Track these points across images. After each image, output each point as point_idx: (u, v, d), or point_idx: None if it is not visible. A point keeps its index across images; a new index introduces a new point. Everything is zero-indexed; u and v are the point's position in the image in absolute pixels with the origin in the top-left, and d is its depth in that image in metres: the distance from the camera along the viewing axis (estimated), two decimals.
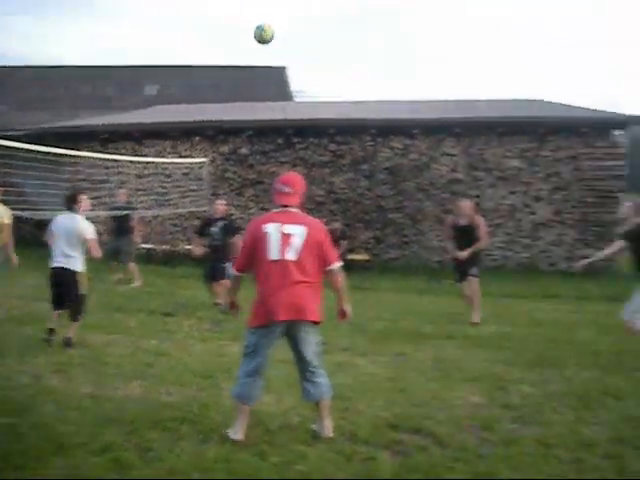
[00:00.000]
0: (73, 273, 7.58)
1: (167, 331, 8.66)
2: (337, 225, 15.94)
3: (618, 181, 16.25)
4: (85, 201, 7.96)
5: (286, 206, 4.85)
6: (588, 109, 18.30)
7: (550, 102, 20.96)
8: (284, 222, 4.72)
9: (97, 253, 7.67)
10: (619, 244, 7.52)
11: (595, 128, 16.32)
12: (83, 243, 7.60)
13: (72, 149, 13.53)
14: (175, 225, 17.56)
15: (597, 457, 4.54)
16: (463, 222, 10.11)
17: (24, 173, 11.13)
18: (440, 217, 16.19)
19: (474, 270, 10.13)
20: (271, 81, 33.82)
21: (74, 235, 7.58)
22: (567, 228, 16.22)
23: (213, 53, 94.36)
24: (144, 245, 16.78)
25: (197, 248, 11.01)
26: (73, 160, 14.30)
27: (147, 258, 16.12)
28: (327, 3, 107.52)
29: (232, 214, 10.71)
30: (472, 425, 5.16)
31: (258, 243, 4.71)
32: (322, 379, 4.83)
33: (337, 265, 4.83)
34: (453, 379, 6.50)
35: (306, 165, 16.94)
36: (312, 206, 16.79)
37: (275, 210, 4.91)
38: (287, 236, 4.66)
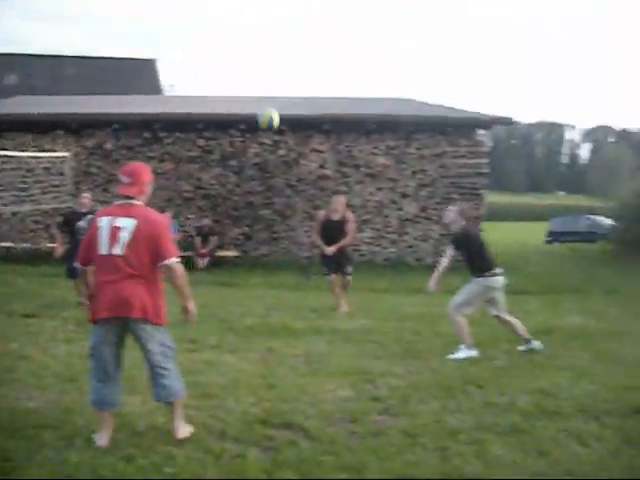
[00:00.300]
0: None
1: (29, 333, 8.28)
2: (206, 221, 15.87)
3: (481, 178, 16.88)
4: None
5: (128, 197, 4.64)
6: (454, 109, 18.85)
7: (418, 101, 21.51)
8: (117, 215, 4.54)
9: None
10: (450, 251, 7.81)
11: (460, 127, 16.89)
12: None
13: None
14: (37, 222, 16.83)
15: (460, 444, 4.68)
16: (335, 217, 10.37)
17: None
18: (309, 213, 16.33)
19: (349, 269, 10.60)
20: (140, 74, 33.14)
21: None
22: (433, 224, 16.69)
23: (80, 43, 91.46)
24: (2, 244, 16.06)
25: (59, 248, 10.60)
26: None
27: (6, 257, 15.42)
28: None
29: (97, 210, 10.37)
30: (341, 418, 5.22)
31: (93, 237, 4.57)
32: (170, 381, 4.64)
33: (173, 260, 4.57)
34: (322, 374, 6.54)
35: (174, 160, 16.66)
36: (180, 202, 16.60)
37: (116, 202, 4.72)
38: (116, 230, 4.47)
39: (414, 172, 16.72)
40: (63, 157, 15.81)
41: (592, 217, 33.52)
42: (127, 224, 4.47)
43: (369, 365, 6.91)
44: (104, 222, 4.53)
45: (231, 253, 16.38)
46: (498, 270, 7.69)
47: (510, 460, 4.42)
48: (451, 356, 7.34)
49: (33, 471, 4.06)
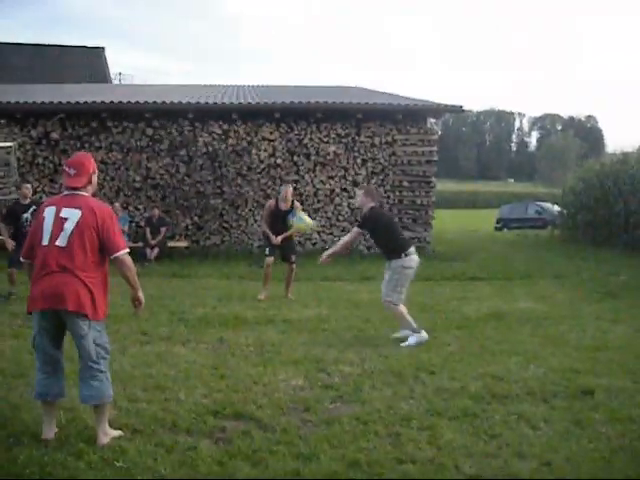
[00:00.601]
0: None
1: None
2: (156, 212, 15.67)
3: (431, 166, 16.97)
4: None
5: (75, 188, 4.55)
6: (405, 97, 18.86)
7: (369, 89, 21.55)
8: (62, 205, 4.45)
9: None
10: (355, 231, 7.87)
11: (410, 115, 16.91)
12: None
13: None
14: None
15: (413, 430, 4.71)
16: (284, 207, 10.42)
17: None
18: (260, 202, 16.28)
19: (293, 257, 10.75)
20: (88, 63, 32.62)
21: None
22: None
23: (26, 32, 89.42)
24: None
25: (8, 241, 10.36)
26: None
27: None
28: None
29: (43, 200, 10.11)
30: (294, 407, 5.21)
31: (37, 228, 4.48)
32: (97, 382, 4.46)
33: (122, 252, 4.50)
34: (275, 363, 6.52)
35: (122, 150, 16.43)
36: (129, 192, 16.38)
37: (63, 193, 4.64)
38: (61, 220, 4.39)
39: (364, 160, 16.75)
40: (8, 147, 15.48)
41: (540, 204, 34.09)
42: (72, 215, 4.38)
43: (322, 353, 6.91)
44: (48, 212, 4.44)
45: (181, 244, 16.24)
46: (412, 249, 7.73)
47: (462, 444, 4.46)
48: (403, 344, 7.36)
49: None
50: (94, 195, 4.66)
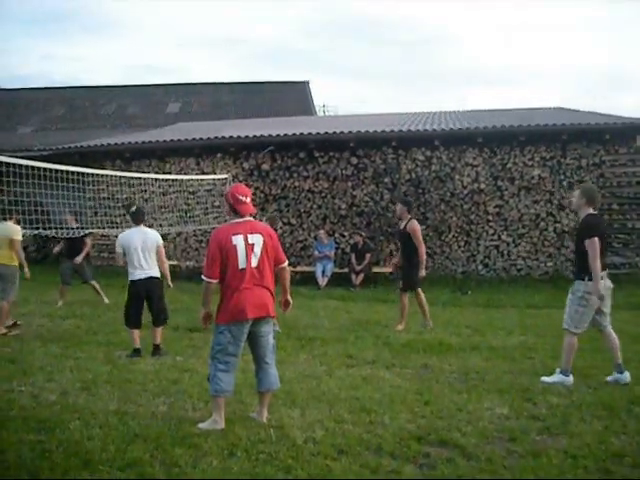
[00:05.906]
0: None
1: (193, 347, 8.69)
2: (360, 238, 15.99)
3: None
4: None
5: (252, 214, 5.40)
6: (612, 115, 17.90)
7: (571, 109, 20.88)
8: (248, 233, 5.24)
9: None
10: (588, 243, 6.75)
11: (618, 135, 16.03)
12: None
13: (96, 168, 13.68)
14: (200, 242, 17.66)
15: (626, 467, 4.48)
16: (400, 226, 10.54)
17: (49, 192, 11.22)
18: (464, 228, 16.24)
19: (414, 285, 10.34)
20: (294, 96, 33.95)
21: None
22: None
23: (234, 70, 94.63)
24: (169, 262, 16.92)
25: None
26: (97, 179, 14.41)
27: (171, 275, 16.14)
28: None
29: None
30: (499, 437, 5.13)
31: (230, 253, 5.18)
32: (275, 370, 5.51)
33: (286, 263, 5.59)
34: (479, 391, 6.46)
35: (328, 179, 17.00)
36: (335, 219, 16.85)
37: (236, 220, 5.34)
38: (251, 246, 5.21)
39: (571, 183, 16.13)
40: (223, 179, 16.51)
41: None
42: (257, 240, 5.25)
43: (528, 382, 6.77)
44: (238, 240, 5.20)
45: (386, 269, 16.42)
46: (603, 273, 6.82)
47: None
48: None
49: (197, 477, 4.26)
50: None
